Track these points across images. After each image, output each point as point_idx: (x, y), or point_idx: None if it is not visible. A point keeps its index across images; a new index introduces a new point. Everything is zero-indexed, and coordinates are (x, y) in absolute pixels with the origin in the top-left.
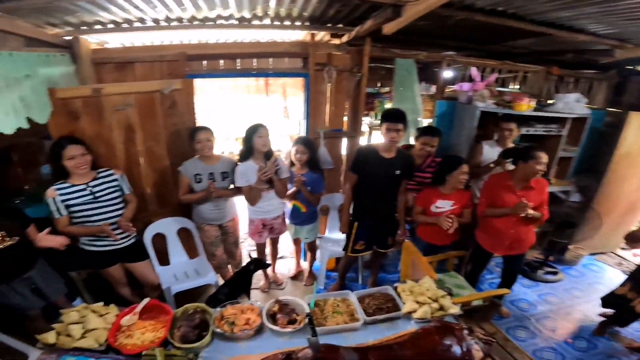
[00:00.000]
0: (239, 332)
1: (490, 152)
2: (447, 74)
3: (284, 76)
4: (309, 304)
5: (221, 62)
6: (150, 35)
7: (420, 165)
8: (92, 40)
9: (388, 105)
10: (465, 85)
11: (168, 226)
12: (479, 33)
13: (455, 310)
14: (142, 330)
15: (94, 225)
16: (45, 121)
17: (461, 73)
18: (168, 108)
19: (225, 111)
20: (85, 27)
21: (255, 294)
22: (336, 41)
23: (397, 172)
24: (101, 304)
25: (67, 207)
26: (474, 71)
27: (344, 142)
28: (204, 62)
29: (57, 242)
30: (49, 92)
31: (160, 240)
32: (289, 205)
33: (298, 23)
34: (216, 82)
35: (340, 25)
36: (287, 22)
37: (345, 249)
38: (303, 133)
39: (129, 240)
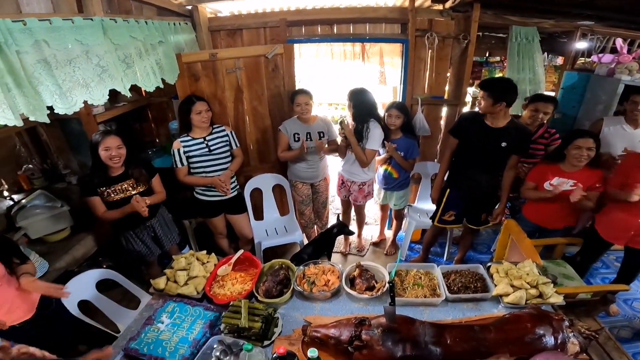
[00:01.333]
0: (317, 293)
1: (614, 132)
2: (580, 45)
3: (381, 42)
4: (389, 273)
5: (319, 27)
6: (255, 3)
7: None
8: (207, 10)
9: (498, 75)
10: (607, 57)
11: (265, 181)
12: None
13: (558, 299)
14: (233, 281)
15: (208, 176)
16: (174, 82)
17: (598, 45)
18: (271, 71)
19: (322, 76)
20: None
21: (335, 257)
22: (438, 7)
23: (504, 144)
24: (205, 252)
25: (188, 158)
26: (619, 42)
27: (444, 110)
28: (303, 28)
29: (141, 209)
30: (176, 56)
31: (257, 196)
32: (380, 170)
33: None
34: (314, 48)
35: None
36: None
37: (432, 217)
38: (399, 99)
39: (232, 192)
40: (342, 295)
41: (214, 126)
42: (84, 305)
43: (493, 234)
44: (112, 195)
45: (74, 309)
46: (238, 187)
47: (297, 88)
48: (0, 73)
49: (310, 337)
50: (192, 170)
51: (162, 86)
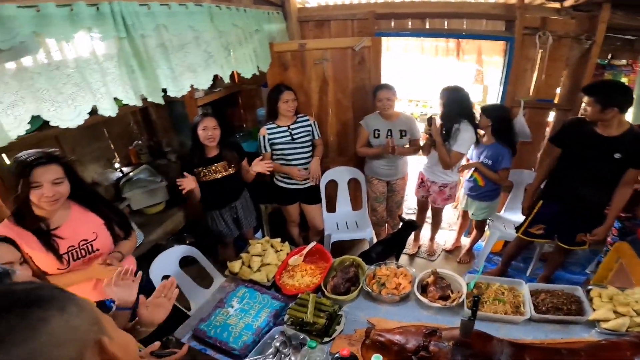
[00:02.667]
0: (385, 295)
1: None
2: None
3: (480, 39)
4: (467, 284)
5: (409, 21)
6: None
7: None
8: (296, 0)
9: (624, 80)
10: None
11: (341, 174)
12: None
13: None
14: (302, 272)
15: (288, 164)
16: (266, 70)
17: None
18: (357, 64)
19: (410, 71)
20: None
21: (402, 258)
22: (554, 5)
23: (617, 155)
24: (279, 239)
25: (272, 144)
26: None
27: (551, 115)
28: (392, 21)
29: (265, 166)
30: (270, 46)
31: (331, 188)
32: (467, 174)
33: None
34: (403, 42)
35: None
36: None
37: (517, 228)
38: (497, 100)
39: (309, 182)
40: (411, 301)
41: (299, 115)
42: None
43: (591, 254)
44: (207, 175)
45: (157, 284)
46: (320, 178)
47: (382, 83)
48: (127, 56)
49: (373, 340)
50: (274, 157)
51: (257, 73)
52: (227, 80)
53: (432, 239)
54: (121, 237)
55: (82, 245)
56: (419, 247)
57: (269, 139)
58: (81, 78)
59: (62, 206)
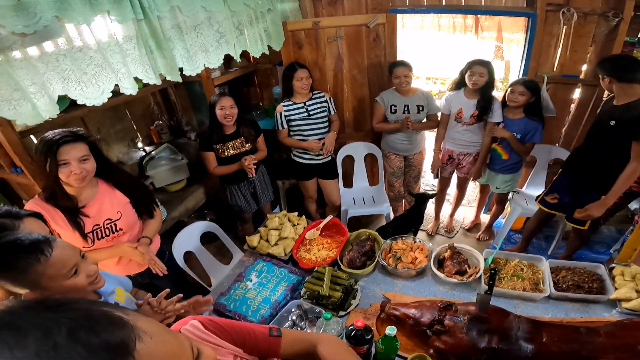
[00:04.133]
0: (401, 269)
1: None
2: None
3: (500, 15)
4: (485, 259)
5: None
6: None
7: None
8: None
9: None
10: None
11: (358, 149)
12: None
13: None
14: (319, 246)
15: (306, 139)
16: (279, 49)
17: None
18: (372, 41)
19: (426, 49)
20: None
21: (420, 235)
22: None
23: (612, 122)
24: (296, 213)
25: (288, 121)
26: None
27: (577, 92)
28: None
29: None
30: (282, 24)
31: (348, 163)
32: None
33: None
34: (419, 18)
35: None
36: None
37: (537, 197)
38: (518, 75)
39: (326, 158)
40: (427, 276)
41: (314, 92)
42: (185, 256)
43: (617, 233)
44: (226, 151)
45: (180, 260)
46: (332, 152)
47: (397, 60)
48: (145, 37)
49: (388, 314)
50: (291, 133)
51: (267, 52)
52: (238, 59)
53: (452, 214)
54: (146, 215)
55: (107, 224)
56: (438, 226)
57: (286, 116)
58: (103, 59)
59: (90, 184)
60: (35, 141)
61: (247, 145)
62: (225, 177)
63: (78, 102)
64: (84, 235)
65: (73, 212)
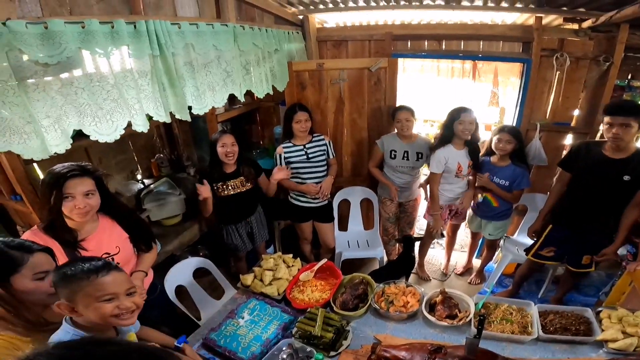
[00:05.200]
0: (393, 313)
1: None
2: None
3: (497, 60)
4: (476, 304)
5: (425, 42)
6: (361, 15)
7: None
8: (315, 20)
9: None
10: None
11: (355, 194)
12: None
13: None
14: (312, 288)
15: (303, 182)
16: (283, 89)
17: None
18: (373, 84)
19: (425, 92)
20: (312, 7)
21: (413, 278)
22: (572, 26)
23: (626, 177)
24: (291, 255)
25: (287, 163)
26: None
27: (568, 138)
28: (409, 42)
29: (285, 174)
30: (287, 64)
31: (344, 207)
32: (479, 196)
33: (520, 5)
34: (419, 63)
35: (582, 10)
36: (504, 4)
37: (527, 250)
38: (511, 122)
39: (322, 201)
40: (419, 319)
41: (314, 135)
42: (176, 289)
43: (606, 277)
44: (225, 190)
45: (171, 294)
46: (329, 196)
47: (397, 104)
48: (159, 73)
49: (379, 355)
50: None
51: (272, 93)
52: (242, 99)
53: (448, 259)
54: (143, 250)
55: (105, 257)
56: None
57: (285, 158)
58: (119, 94)
59: (91, 218)
60: (38, 169)
61: (247, 185)
62: (223, 217)
63: (91, 137)
64: None
65: (72, 245)
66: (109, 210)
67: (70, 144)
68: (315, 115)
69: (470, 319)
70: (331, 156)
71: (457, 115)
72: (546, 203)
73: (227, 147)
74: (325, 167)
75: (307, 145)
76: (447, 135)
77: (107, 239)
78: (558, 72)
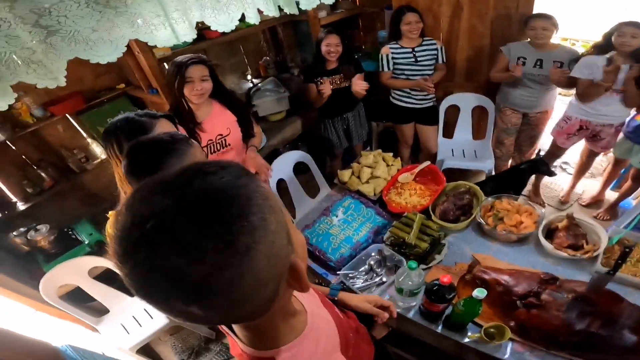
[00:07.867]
0: (500, 231)
1: None
2: None
3: None
4: (610, 238)
5: None
6: None
7: None
8: None
9: None
10: None
11: (466, 100)
12: None
13: None
14: (411, 191)
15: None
16: None
17: None
18: None
19: (569, 6)
20: None
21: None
22: None
23: None
24: (391, 154)
25: (394, 64)
26: None
27: None
28: None
29: (364, 85)
30: None
31: (452, 113)
32: (636, 118)
33: None
34: None
35: None
36: None
37: None
38: None
39: (427, 102)
40: (530, 244)
41: (425, 38)
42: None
43: None
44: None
45: (273, 187)
46: (434, 98)
47: (535, 12)
48: None
49: (475, 275)
50: (394, 76)
51: None
52: None
53: (573, 186)
54: (250, 134)
55: (218, 139)
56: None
57: (392, 58)
58: None
59: (206, 102)
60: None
61: (346, 82)
62: (322, 110)
63: (212, 28)
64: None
65: (192, 128)
66: (219, 96)
67: (190, 44)
68: (426, 18)
69: (598, 255)
70: (441, 61)
71: (618, 27)
72: None
73: (331, 47)
74: (432, 72)
75: (416, 49)
76: (604, 45)
77: (220, 122)
78: None
